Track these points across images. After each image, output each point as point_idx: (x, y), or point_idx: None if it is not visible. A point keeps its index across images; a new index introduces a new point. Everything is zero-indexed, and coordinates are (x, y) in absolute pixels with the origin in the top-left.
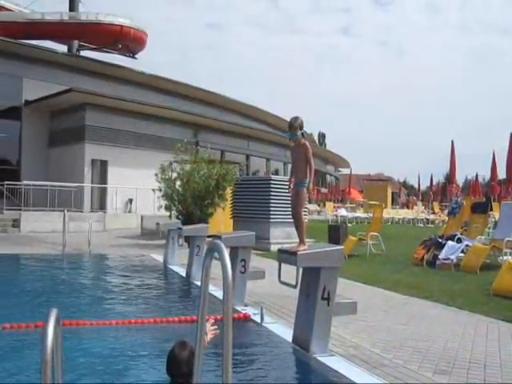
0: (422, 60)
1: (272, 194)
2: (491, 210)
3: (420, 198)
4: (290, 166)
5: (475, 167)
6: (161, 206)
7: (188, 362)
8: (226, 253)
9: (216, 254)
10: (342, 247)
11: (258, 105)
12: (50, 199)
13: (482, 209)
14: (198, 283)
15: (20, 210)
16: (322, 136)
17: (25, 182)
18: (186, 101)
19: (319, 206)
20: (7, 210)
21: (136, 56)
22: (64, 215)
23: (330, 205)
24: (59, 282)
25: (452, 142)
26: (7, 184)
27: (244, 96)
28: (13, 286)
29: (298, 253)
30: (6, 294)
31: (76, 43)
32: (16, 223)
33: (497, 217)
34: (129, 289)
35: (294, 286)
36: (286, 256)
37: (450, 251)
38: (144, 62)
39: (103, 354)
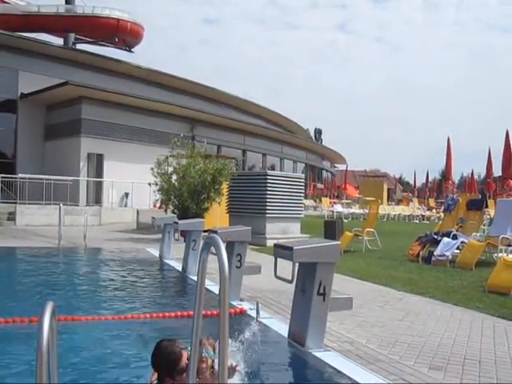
0: (419, 57)
1: (268, 189)
2: (486, 206)
3: (416, 194)
4: (286, 161)
5: (471, 164)
6: (156, 201)
7: (164, 355)
8: (223, 247)
9: (212, 249)
10: (339, 242)
11: (254, 100)
12: (45, 193)
13: (477, 206)
14: (194, 278)
15: (15, 203)
16: (318, 132)
17: (20, 175)
18: (183, 95)
19: (315, 201)
20: (2, 203)
21: (132, 50)
22: (60, 209)
23: (326, 200)
24: (54, 275)
25: (448, 138)
26: (3, 177)
27: (241, 91)
28: (7, 280)
29: (294, 248)
30: (0, 288)
31: (72, 36)
32: (11, 216)
33: (492, 214)
34: (124, 283)
35: (290, 281)
36: (282, 251)
37: (446, 248)
38: (141, 57)
39: (97, 350)
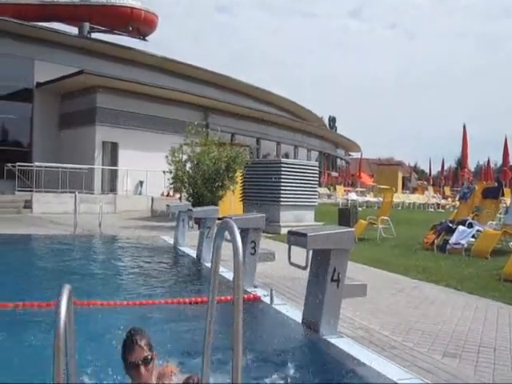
0: (434, 43)
1: (282, 177)
2: (503, 195)
3: (431, 182)
4: (300, 149)
5: (487, 152)
6: (170, 189)
7: (123, 342)
8: (237, 231)
9: (227, 235)
10: (353, 229)
11: (269, 88)
12: (61, 181)
13: (493, 194)
14: (209, 265)
15: (32, 191)
16: (332, 120)
17: (36, 163)
18: (197, 83)
19: (329, 189)
20: (19, 191)
21: (147, 38)
22: (75, 197)
23: (340, 188)
24: (70, 262)
25: (464, 126)
26: (19, 165)
27: (254, 79)
28: (26, 266)
29: (309, 234)
30: (19, 273)
31: (87, 25)
32: (28, 204)
33: (508, 202)
34: (139, 270)
35: (304, 268)
36: (296, 238)
37: (461, 236)
38: (155, 44)
39: (112, 335)
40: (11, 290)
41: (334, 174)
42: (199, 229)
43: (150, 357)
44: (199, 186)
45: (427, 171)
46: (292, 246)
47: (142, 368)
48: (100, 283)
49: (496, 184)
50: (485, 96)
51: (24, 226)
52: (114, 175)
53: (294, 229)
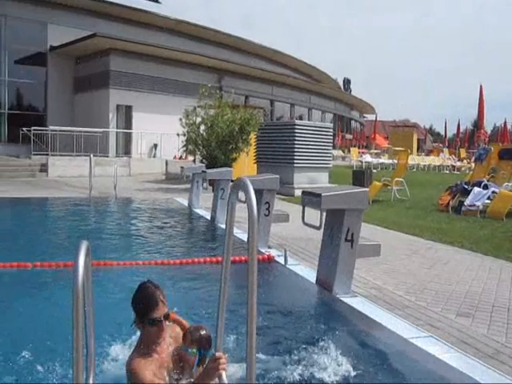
0: (450, 3)
1: (296, 139)
2: None
3: (446, 144)
4: (314, 111)
5: (504, 113)
6: (185, 151)
7: (139, 295)
8: (252, 188)
9: (241, 196)
10: (367, 189)
11: (282, 50)
12: (76, 144)
13: (509, 155)
14: (223, 226)
15: (47, 155)
16: (347, 82)
17: (51, 127)
18: (211, 46)
19: (344, 151)
20: (35, 155)
21: (159, 0)
22: (90, 160)
23: (354, 150)
24: (87, 224)
25: (481, 86)
26: (34, 129)
27: (268, 41)
28: (44, 227)
29: (323, 194)
30: (37, 235)
31: None
32: (44, 168)
33: None
34: (154, 231)
35: (318, 228)
36: (310, 198)
37: (476, 197)
38: (168, 7)
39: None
40: (30, 251)
41: (349, 136)
42: (213, 191)
43: (169, 312)
44: (213, 149)
45: (443, 133)
46: (306, 207)
47: (163, 324)
48: (116, 244)
49: None
50: (504, 57)
51: (40, 189)
52: (128, 138)
53: (307, 189)
